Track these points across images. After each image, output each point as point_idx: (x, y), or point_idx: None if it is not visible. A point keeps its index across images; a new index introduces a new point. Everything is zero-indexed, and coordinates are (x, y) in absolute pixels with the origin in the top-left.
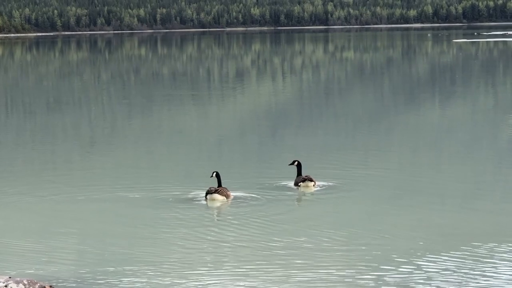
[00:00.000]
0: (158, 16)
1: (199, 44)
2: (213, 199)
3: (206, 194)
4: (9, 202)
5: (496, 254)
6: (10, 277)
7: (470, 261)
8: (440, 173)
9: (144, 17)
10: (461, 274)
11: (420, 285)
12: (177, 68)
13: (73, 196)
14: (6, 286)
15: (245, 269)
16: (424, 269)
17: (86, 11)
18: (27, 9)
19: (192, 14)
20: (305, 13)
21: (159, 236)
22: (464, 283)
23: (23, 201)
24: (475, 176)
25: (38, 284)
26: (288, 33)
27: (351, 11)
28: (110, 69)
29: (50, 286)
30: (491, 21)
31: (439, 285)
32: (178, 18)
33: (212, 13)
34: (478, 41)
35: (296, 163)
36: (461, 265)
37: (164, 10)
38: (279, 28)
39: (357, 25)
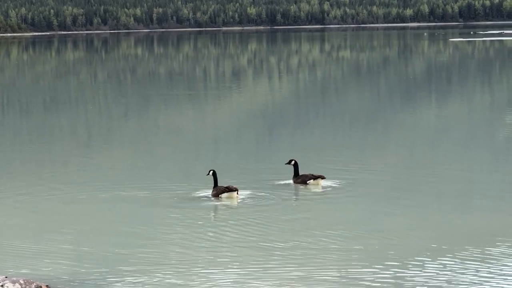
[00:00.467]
0: (154, 16)
1: (195, 43)
2: (232, 197)
3: (219, 192)
4: (5, 202)
5: (499, 254)
6: (6, 277)
7: (471, 261)
8: (438, 172)
9: (140, 17)
10: (461, 274)
11: (421, 285)
12: (173, 68)
13: (70, 195)
14: (2, 285)
15: (245, 268)
16: (425, 268)
17: (83, 10)
18: (23, 9)
19: (189, 13)
20: (302, 12)
21: (157, 235)
22: (465, 282)
23: (20, 201)
24: (472, 175)
25: (35, 284)
26: (284, 33)
27: (348, 10)
28: (107, 69)
29: (47, 285)
30: (487, 20)
31: (442, 284)
32: (174, 18)
33: (209, 12)
34: (475, 40)
35: (293, 162)
36: (462, 264)
37: (161, 10)
38: (275, 27)
39: (354, 24)
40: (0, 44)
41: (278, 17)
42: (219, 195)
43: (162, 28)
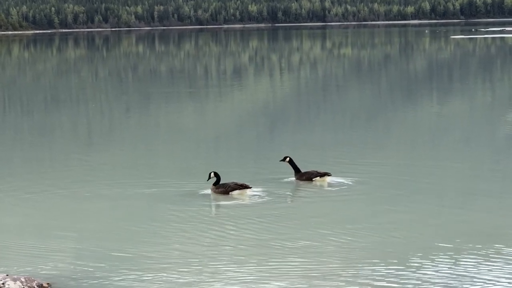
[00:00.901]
0: (155, 13)
1: (196, 41)
2: (243, 195)
3: (230, 190)
4: (6, 200)
5: (505, 251)
6: (7, 275)
7: (475, 259)
8: (440, 169)
9: (141, 14)
10: (463, 271)
11: (425, 282)
12: (174, 65)
13: (71, 193)
14: (3, 283)
15: (249, 264)
16: (428, 266)
17: (84, 8)
18: (24, 7)
19: (190, 11)
20: (303, 9)
21: (159, 233)
22: (468, 279)
23: (21, 199)
24: (474, 173)
25: (36, 282)
26: (285, 30)
27: (349, 7)
28: (108, 67)
29: (48, 283)
30: (488, 17)
31: (445, 281)
32: (175, 15)
33: (210, 10)
34: (476, 37)
35: (287, 159)
36: (465, 262)
37: (162, 7)
38: (276, 25)
39: (355, 21)
40: (1, 42)
41: (279, 14)
42: (230, 193)
43: (163, 26)
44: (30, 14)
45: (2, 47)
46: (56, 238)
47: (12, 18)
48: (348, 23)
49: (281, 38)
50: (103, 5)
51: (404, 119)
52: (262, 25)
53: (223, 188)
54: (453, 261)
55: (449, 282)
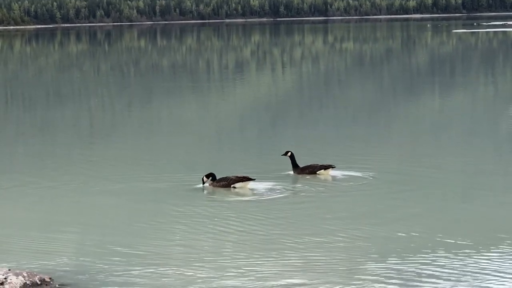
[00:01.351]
0: (157, 8)
1: (198, 35)
2: (247, 187)
3: (233, 182)
4: (9, 195)
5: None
6: (9, 269)
7: (476, 254)
8: (442, 164)
9: (143, 9)
10: (464, 267)
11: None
12: (176, 60)
13: (73, 187)
14: (5, 278)
15: (251, 259)
16: (430, 261)
17: (85, 3)
18: (26, 1)
19: (192, 5)
20: (305, 4)
21: (161, 228)
22: (470, 276)
23: (23, 193)
24: (476, 167)
25: (38, 276)
26: (287, 24)
27: (351, 1)
28: (110, 61)
29: (50, 278)
30: (490, 11)
31: (448, 277)
32: (177, 10)
33: (212, 4)
34: (478, 31)
35: (289, 153)
36: (467, 257)
37: (163, 2)
38: (278, 19)
39: (357, 16)
40: (3, 37)
41: (281, 9)
42: (232, 186)
43: (165, 21)
44: (32, 9)
45: (4, 42)
46: (59, 233)
47: (14, 13)
48: (350, 17)
49: (283, 32)
50: None
51: (406, 113)
52: (264, 19)
53: (224, 182)
54: (457, 255)
55: (453, 277)
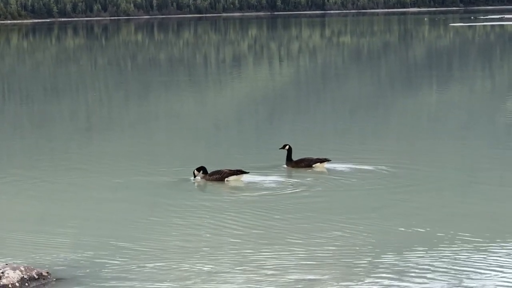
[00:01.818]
0: (154, 2)
1: (195, 29)
2: (239, 180)
3: (226, 176)
4: (6, 189)
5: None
6: (7, 264)
7: (475, 249)
8: (440, 158)
9: (140, 3)
10: (465, 263)
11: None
12: (174, 54)
13: (70, 182)
14: (3, 272)
15: (248, 253)
16: (429, 256)
17: None
18: None
19: None
20: None
21: (158, 221)
22: (470, 272)
23: (19, 188)
24: (473, 162)
25: (35, 271)
26: (284, 18)
27: None
28: (107, 55)
29: (47, 272)
30: (487, 5)
31: (448, 272)
32: (174, 4)
33: None
34: (475, 25)
35: (287, 147)
36: (467, 252)
37: None
38: (275, 13)
39: (354, 9)
40: (0, 32)
41: (278, 3)
42: (225, 179)
43: (162, 15)
44: (29, 3)
45: (1, 37)
46: (56, 227)
47: (11, 7)
48: (347, 11)
49: (280, 26)
50: None
51: (403, 107)
52: (261, 13)
53: (218, 175)
54: (455, 250)
55: (451, 271)
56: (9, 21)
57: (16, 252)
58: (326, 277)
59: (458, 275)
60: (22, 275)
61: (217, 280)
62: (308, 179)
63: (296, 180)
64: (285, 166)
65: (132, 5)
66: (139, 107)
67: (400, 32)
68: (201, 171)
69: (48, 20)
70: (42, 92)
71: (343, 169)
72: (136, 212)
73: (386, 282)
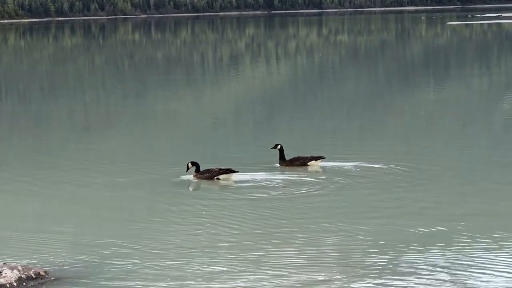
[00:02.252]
0: (151, 1)
1: (193, 28)
2: (229, 179)
3: (216, 174)
4: (3, 188)
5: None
6: (4, 263)
7: (475, 246)
8: (437, 156)
9: (137, 2)
10: (465, 262)
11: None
12: (171, 53)
13: (68, 182)
14: (0, 272)
15: (245, 253)
16: (428, 254)
17: None
18: None
19: None
20: None
21: (156, 221)
22: (470, 269)
23: (18, 187)
24: (472, 160)
25: (33, 270)
26: (282, 17)
27: None
28: (104, 55)
29: (45, 271)
30: (484, 3)
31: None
32: (171, 3)
33: None
34: (472, 23)
35: (278, 146)
36: (467, 250)
37: None
38: (273, 12)
39: (351, 8)
40: None
41: (276, 1)
42: (216, 177)
43: (159, 14)
44: (26, 3)
45: None
46: (54, 227)
47: (8, 6)
48: (345, 9)
49: (277, 25)
50: None
51: (401, 105)
52: (259, 12)
53: (208, 174)
54: (456, 249)
55: (453, 270)
56: (6, 21)
57: (14, 252)
58: (326, 277)
59: (458, 275)
60: (19, 275)
61: (217, 280)
62: (303, 177)
63: (293, 179)
64: (278, 165)
65: (129, 4)
66: (136, 106)
67: (397, 31)
68: (195, 167)
69: (45, 20)
70: (39, 92)
71: (337, 167)
72: (134, 211)
73: (387, 282)
